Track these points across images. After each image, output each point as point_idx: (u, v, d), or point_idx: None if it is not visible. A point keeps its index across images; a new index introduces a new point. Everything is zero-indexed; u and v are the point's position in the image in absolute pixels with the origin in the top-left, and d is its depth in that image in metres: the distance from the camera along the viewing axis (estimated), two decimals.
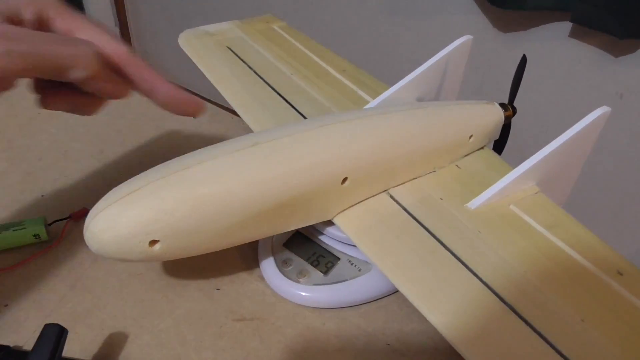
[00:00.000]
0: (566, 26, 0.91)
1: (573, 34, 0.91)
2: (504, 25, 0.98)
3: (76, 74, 0.28)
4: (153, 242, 0.31)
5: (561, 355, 0.28)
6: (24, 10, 0.29)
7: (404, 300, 0.32)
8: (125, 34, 1.82)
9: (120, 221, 0.30)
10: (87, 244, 0.31)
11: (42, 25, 0.30)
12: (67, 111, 0.33)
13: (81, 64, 0.28)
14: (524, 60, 0.43)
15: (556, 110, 0.99)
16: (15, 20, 0.28)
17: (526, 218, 0.37)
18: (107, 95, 0.31)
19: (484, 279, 0.32)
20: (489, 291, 0.31)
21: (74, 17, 0.30)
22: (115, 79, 0.31)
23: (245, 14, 0.62)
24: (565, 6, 0.86)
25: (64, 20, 0.30)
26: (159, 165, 0.33)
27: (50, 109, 0.32)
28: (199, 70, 0.50)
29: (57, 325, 0.31)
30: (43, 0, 0.29)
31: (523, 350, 0.28)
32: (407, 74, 0.44)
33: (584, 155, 0.41)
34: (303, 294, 0.39)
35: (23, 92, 0.61)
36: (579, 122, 0.38)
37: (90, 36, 0.30)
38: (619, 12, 0.80)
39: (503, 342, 0.29)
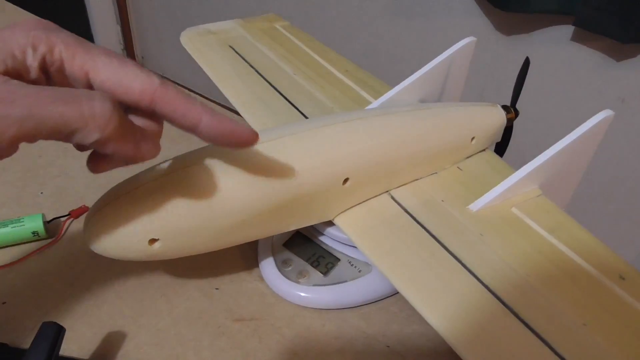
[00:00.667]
0: (569, 30, 0.91)
1: (576, 38, 0.91)
2: (506, 28, 0.97)
3: (86, 138, 0.22)
4: (152, 241, 0.31)
5: (563, 359, 0.28)
6: (28, 55, 0.23)
7: (405, 302, 0.31)
8: (126, 33, 1.82)
9: (119, 219, 0.30)
10: (86, 242, 0.31)
11: (50, 70, 0.24)
12: (125, 165, 0.27)
13: (91, 125, 0.22)
14: (527, 63, 0.43)
15: (558, 114, 0.99)
16: (16, 69, 0.23)
17: (528, 221, 0.36)
18: (130, 158, 0.25)
19: (485, 281, 0.32)
20: (490, 294, 0.31)
21: (89, 53, 0.24)
22: (142, 136, 0.25)
23: (246, 13, 0.62)
24: (569, 10, 0.86)
25: (76, 61, 0.24)
26: (159, 163, 0.32)
27: (104, 171, 0.27)
28: (200, 69, 0.50)
29: (55, 323, 0.31)
30: (51, 38, 0.24)
31: (524, 354, 0.28)
32: (408, 76, 0.44)
33: (586, 159, 0.41)
34: (303, 294, 0.39)
35: None
36: (582, 125, 0.37)
37: (109, 75, 0.24)
38: (622, 16, 0.80)
39: (504, 346, 0.29)
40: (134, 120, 0.26)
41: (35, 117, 0.21)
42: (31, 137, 0.21)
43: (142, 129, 0.26)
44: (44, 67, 0.24)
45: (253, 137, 0.28)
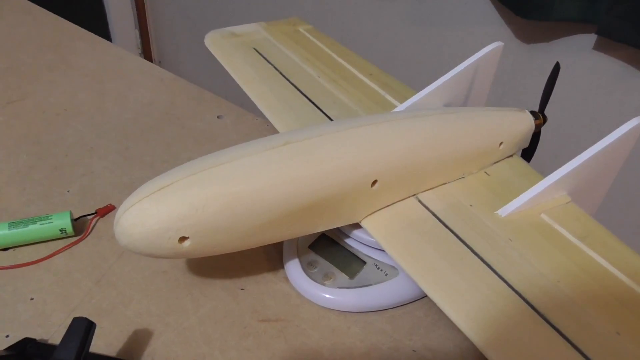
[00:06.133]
0: (591, 38, 0.90)
1: (598, 46, 0.90)
2: (527, 36, 0.97)
3: None
4: (183, 239, 0.31)
5: None
6: None
7: (431, 306, 0.31)
8: (144, 37, 1.84)
9: (151, 216, 0.30)
10: (117, 238, 0.31)
11: None
12: None
13: None
14: (556, 68, 0.42)
15: (580, 123, 0.98)
16: None
17: (558, 227, 0.36)
18: None
19: (515, 286, 0.31)
20: (520, 299, 0.31)
21: None
22: None
23: (263, 17, 0.62)
24: (591, 18, 0.85)
25: None
26: (191, 161, 0.33)
27: None
28: (218, 72, 0.50)
29: (86, 319, 0.31)
30: None
31: None
32: (428, 84, 0.43)
33: (617, 166, 0.40)
34: (328, 296, 0.39)
35: (50, 89, 0.62)
36: (613, 133, 0.37)
37: None
38: None
39: (534, 351, 0.28)
40: None
41: None
42: None
43: None
44: None
45: None
